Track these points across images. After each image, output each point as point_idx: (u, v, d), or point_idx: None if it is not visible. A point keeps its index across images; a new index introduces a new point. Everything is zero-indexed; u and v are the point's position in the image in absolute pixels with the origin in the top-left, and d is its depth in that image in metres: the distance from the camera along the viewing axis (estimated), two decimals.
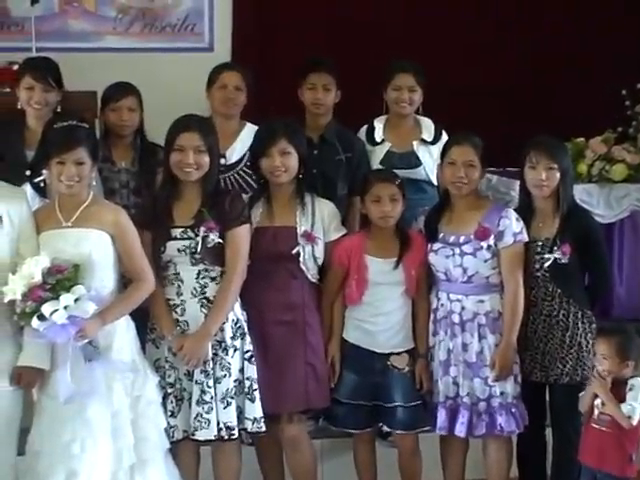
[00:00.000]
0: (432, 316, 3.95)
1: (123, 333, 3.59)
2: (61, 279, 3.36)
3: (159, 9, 6.03)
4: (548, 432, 4.07)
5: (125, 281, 3.65)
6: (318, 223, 3.91)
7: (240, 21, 5.98)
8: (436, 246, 3.91)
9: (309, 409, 3.95)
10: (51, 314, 3.31)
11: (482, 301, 3.86)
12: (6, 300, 3.37)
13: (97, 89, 4.63)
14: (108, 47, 5.98)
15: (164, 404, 3.68)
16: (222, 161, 4.10)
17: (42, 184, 3.80)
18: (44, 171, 3.59)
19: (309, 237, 3.87)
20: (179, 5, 6.05)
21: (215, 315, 3.68)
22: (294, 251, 3.85)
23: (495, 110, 5.93)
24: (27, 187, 3.94)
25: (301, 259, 3.86)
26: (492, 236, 3.82)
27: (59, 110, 4.25)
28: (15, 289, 3.34)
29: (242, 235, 3.73)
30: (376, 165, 4.48)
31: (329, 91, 4.47)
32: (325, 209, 3.96)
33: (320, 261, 3.92)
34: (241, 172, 4.32)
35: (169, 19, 6.05)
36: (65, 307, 3.32)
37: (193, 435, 3.68)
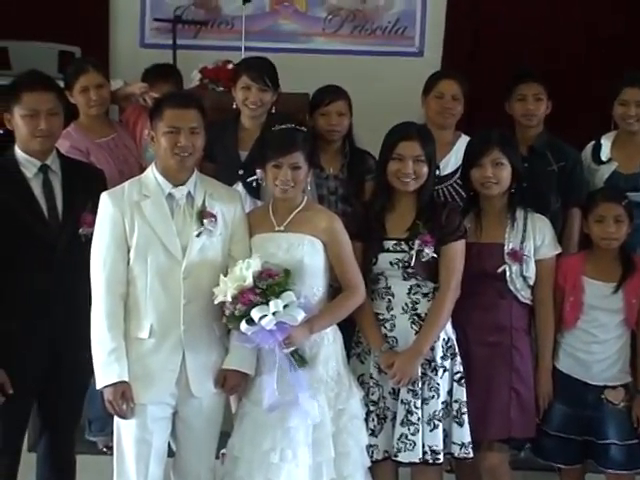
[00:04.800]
0: None
1: (330, 343, 3.51)
2: (271, 284, 3.30)
3: (370, 11, 5.97)
4: None
5: (333, 290, 3.56)
6: (529, 240, 3.71)
7: (453, 27, 5.83)
8: None
9: (511, 437, 3.75)
10: (260, 319, 3.25)
11: None
12: (216, 302, 3.34)
13: (303, 91, 4.57)
14: (316, 49, 5.98)
15: (365, 422, 3.57)
16: (435, 172, 3.95)
17: (254, 184, 3.76)
18: (258, 170, 3.54)
19: (515, 256, 3.68)
20: (391, 8, 5.97)
21: (427, 333, 3.54)
22: (499, 270, 3.67)
23: None
24: (239, 186, 3.91)
25: (508, 278, 3.67)
26: None
27: (273, 111, 4.21)
28: (226, 291, 3.30)
29: (458, 250, 3.59)
30: (600, 185, 4.25)
31: (540, 101, 4.33)
32: (538, 224, 3.75)
33: (531, 281, 3.72)
34: (455, 185, 4.18)
35: (380, 22, 5.97)
36: (274, 313, 3.26)
37: (396, 456, 3.56)
